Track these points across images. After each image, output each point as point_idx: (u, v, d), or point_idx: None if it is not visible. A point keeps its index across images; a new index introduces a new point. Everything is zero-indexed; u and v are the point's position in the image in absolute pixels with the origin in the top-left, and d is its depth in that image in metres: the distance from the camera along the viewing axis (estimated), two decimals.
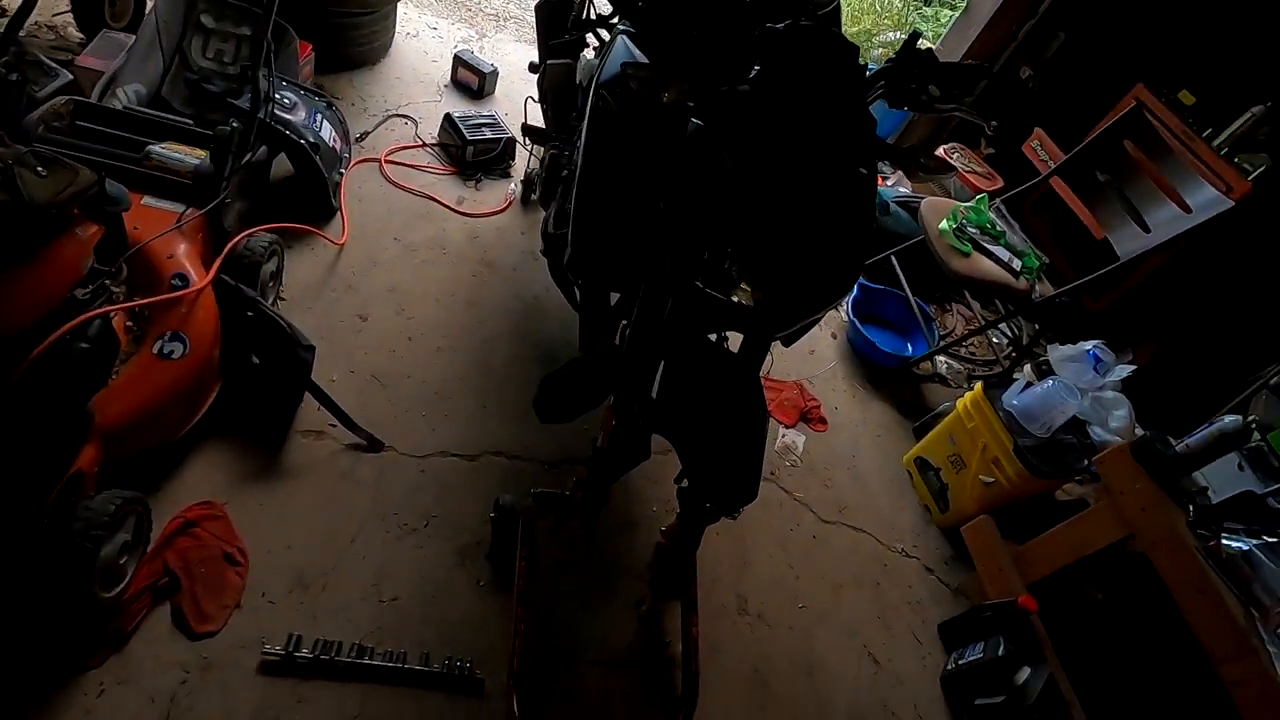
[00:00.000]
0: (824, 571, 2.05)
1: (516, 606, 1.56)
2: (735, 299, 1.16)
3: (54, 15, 2.49)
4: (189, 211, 1.68)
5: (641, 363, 1.23)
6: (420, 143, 2.73)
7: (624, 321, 1.48)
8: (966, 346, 3.06)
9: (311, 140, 2.16)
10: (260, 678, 1.40)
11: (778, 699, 1.75)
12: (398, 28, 3.11)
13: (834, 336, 2.85)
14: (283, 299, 2.02)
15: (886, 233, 3.06)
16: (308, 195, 2.23)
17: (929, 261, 2.63)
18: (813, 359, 2.70)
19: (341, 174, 2.37)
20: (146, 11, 2.22)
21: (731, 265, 1.15)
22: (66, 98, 1.82)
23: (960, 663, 1.92)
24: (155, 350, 1.52)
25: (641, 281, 1.24)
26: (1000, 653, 1.80)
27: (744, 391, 1.27)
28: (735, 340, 1.33)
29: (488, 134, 2.71)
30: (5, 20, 1.90)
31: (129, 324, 1.57)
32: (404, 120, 2.79)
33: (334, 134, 2.31)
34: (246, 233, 1.83)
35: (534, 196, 2.67)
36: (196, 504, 1.56)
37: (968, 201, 2.68)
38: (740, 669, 1.77)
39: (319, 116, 2.25)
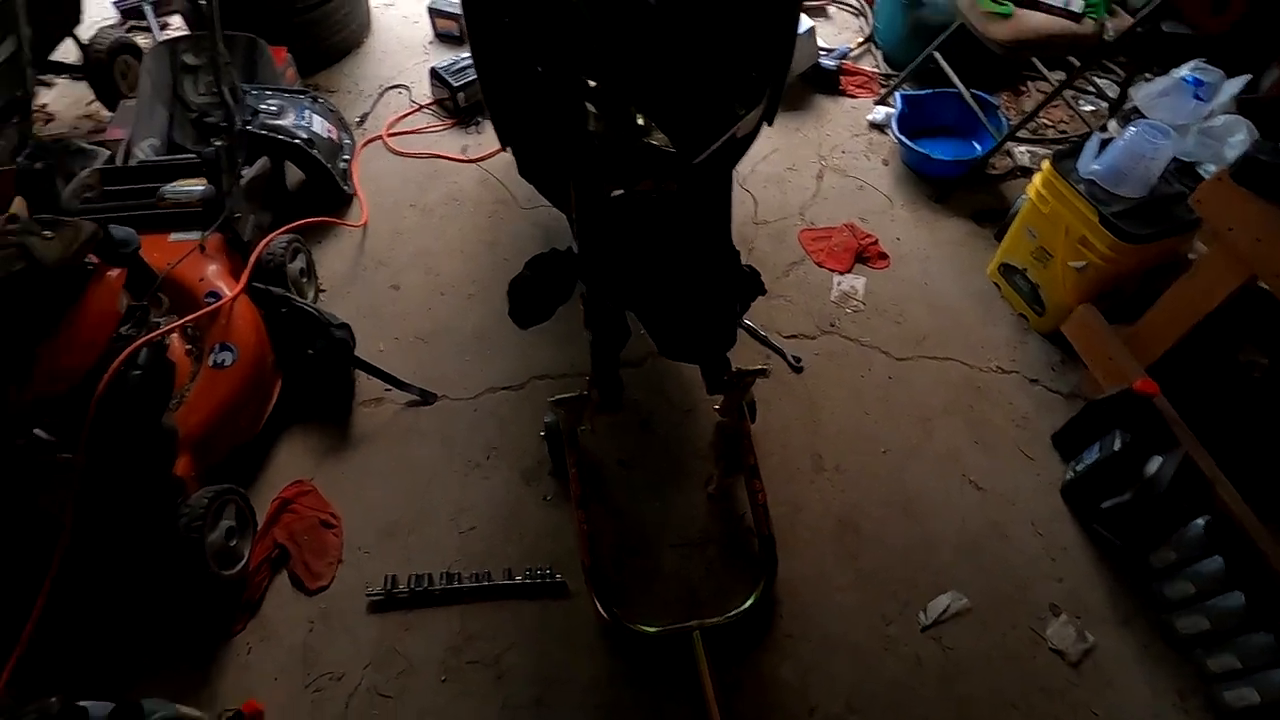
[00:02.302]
0: (905, 410, 1.91)
1: (577, 510, 1.61)
2: (651, 142, 1.08)
3: (87, 105, 2.77)
4: (205, 234, 1.84)
5: (591, 240, 1.18)
6: (416, 107, 2.75)
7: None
8: (1053, 126, 2.63)
9: (305, 137, 2.25)
10: (371, 616, 1.58)
11: (872, 541, 1.69)
12: (371, 2, 3.12)
13: (885, 163, 2.57)
14: (323, 290, 2.17)
15: (925, 28, 2.67)
16: (322, 189, 2.34)
17: (978, 44, 2.27)
18: (863, 194, 2.46)
19: (347, 161, 2.46)
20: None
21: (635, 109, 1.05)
22: (91, 169, 2.03)
23: (1078, 469, 1.72)
24: (211, 363, 1.70)
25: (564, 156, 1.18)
26: (1117, 447, 1.59)
27: (705, 243, 1.18)
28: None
29: (473, 74, 2.67)
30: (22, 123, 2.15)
31: (188, 347, 1.77)
32: (398, 90, 2.82)
33: (327, 125, 2.40)
34: (266, 240, 1.97)
35: None
36: (289, 485, 1.76)
37: None
38: (825, 522, 1.72)
39: (307, 112, 2.33)
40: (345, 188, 2.38)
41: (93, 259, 1.47)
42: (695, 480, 1.79)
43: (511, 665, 1.52)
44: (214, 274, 1.81)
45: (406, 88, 2.82)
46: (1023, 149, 2.54)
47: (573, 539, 1.66)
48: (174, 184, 1.93)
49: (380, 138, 2.62)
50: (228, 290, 1.78)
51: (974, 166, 2.41)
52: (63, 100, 2.81)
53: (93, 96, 2.69)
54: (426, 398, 1.92)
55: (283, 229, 2.05)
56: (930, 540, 1.69)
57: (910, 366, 2.01)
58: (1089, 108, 2.66)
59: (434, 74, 2.70)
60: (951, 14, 2.51)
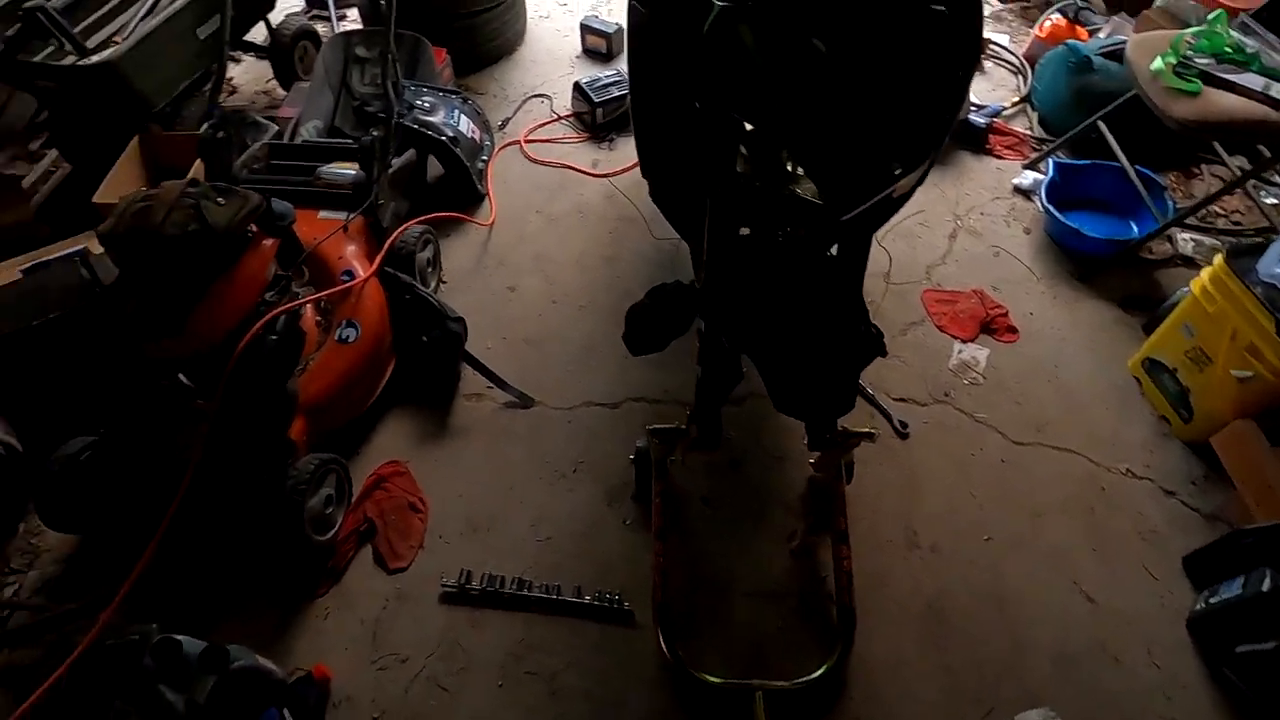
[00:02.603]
0: (1016, 499, 1.78)
1: (656, 541, 1.59)
2: (799, 192, 1.05)
3: (266, 82, 3.02)
4: (350, 216, 1.95)
5: (718, 281, 1.17)
6: (556, 116, 2.84)
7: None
8: (1226, 215, 2.41)
9: (451, 135, 2.36)
10: (441, 606, 1.62)
11: (959, 633, 1.57)
12: (529, 13, 3.26)
13: (1027, 232, 2.42)
14: (444, 282, 2.26)
15: (1091, 94, 2.52)
16: (458, 186, 2.45)
17: (1152, 118, 2.11)
18: (998, 261, 2.32)
19: (485, 161, 2.57)
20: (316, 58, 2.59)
21: (787, 156, 1.03)
22: (261, 143, 2.21)
23: (1212, 601, 1.54)
24: (336, 337, 1.80)
25: (706, 194, 1.17)
26: (1266, 588, 1.41)
27: (835, 299, 1.14)
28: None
29: (615, 92, 2.73)
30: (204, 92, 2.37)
31: (318, 319, 1.89)
32: (541, 99, 2.92)
33: (472, 126, 2.51)
34: (402, 227, 2.08)
35: None
36: (385, 463, 1.83)
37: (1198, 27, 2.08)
38: (911, 602, 1.62)
39: (456, 112, 2.45)
40: (480, 187, 2.48)
41: (252, 227, 1.59)
42: (778, 531, 1.73)
43: (567, 684, 1.51)
44: (352, 254, 1.92)
45: (549, 97, 2.91)
46: (1187, 236, 2.33)
47: (646, 568, 1.63)
48: (330, 165, 2.07)
49: (518, 143, 2.72)
50: (362, 271, 1.89)
51: (1128, 248, 2.23)
52: (246, 76, 3.08)
53: (271, 75, 2.94)
54: (525, 401, 1.96)
55: (418, 219, 2.15)
56: (1025, 645, 1.56)
57: (1027, 453, 1.87)
58: (1271, 200, 2.41)
59: (577, 88, 2.78)
60: (1124, 83, 2.34)
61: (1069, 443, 1.88)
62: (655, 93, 1.14)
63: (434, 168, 2.48)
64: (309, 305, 1.82)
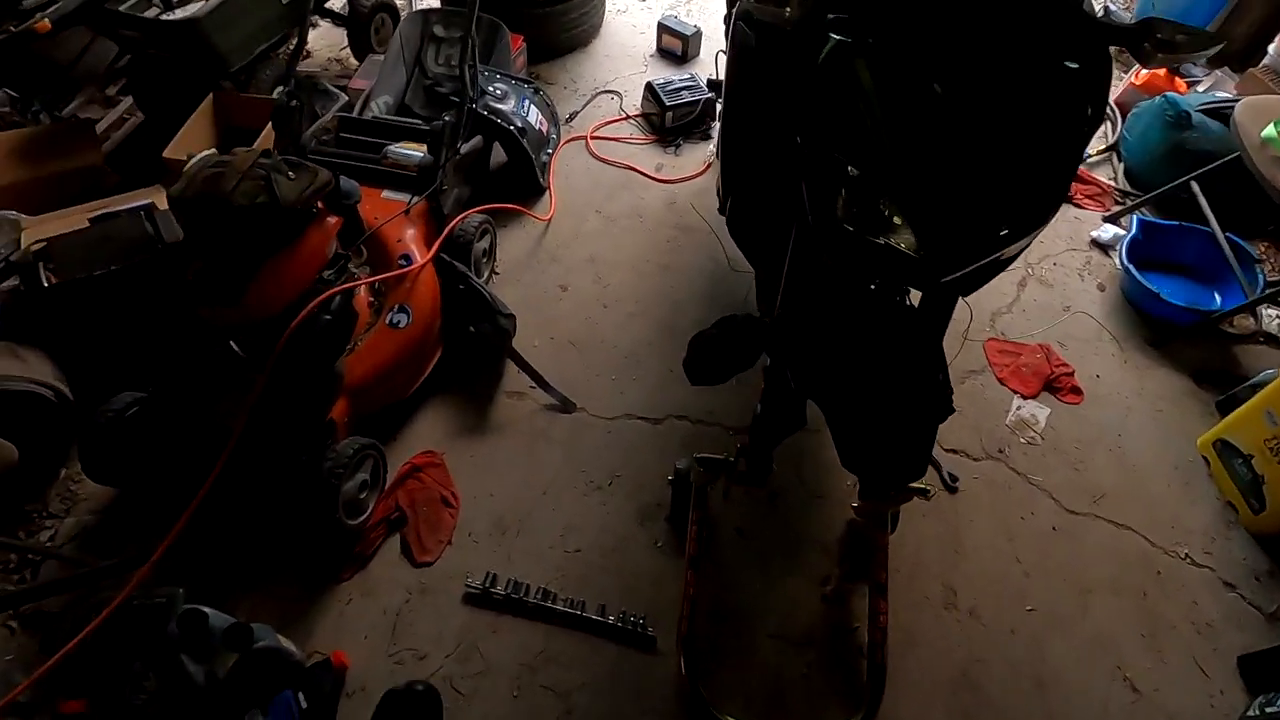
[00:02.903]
0: (1064, 572, 1.70)
1: (687, 570, 1.55)
2: (895, 243, 0.99)
3: (340, 50, 3.02)
4: (414, 199, 1.94)
5: (792, 321, 1.12)
6: (624, 115, 2.80)
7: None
8: None
9: (519, 125, 2.33)
10: (464, 606, 1.60)
11: (991, 708, 1.51)
12: (607, 6, 3.22)
13: (1101, 288, 2.32)
14: (497, 273, 2.24)
15: (1185, 152, 2.40)
16: (520, 177, 2.42)
17: (1250, 185, 2.01)
18: (1068, 317, 2.23)
19: (549, 154, 2.54)
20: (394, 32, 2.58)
21: (886, 203, 0.98)
22: (333, 114, 2.20)
23: (1268, 711, 1.45)
24: (387, 321, 1.78)
25: (791, 231, 1.12)
26: None
27: (914, 354, 1.08)
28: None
29: (686, 97, 2.68)
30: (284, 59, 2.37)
31: (371, 300, 1.87)
32: (611, 96, 2.88)
33: (540, 117, 2.48)
34: (462, 215, 2.05)
35: None
36: (421, 452, 1.82)
37: None
38: (943, 667, 1.56)
39: (527, 102, 2.42)
40: (541, 180, 2.45)
41: (318, 203, 1.57)
42: (812, 573, 1.68)
43: (581, 704, 1.48)
44: (411, 238, 1.90)
45: (619, 94, 2.87)
46: (1275, 314, 2.21)
47: (673, 593, 1.60)
48: (398, 145, 2.05)
49: (585, 138, 2.68)
50: (420, 256, 1.87)
51: (1209, 319, 2.12)
52: (321, 41, 3.08)
53: (346, 44, 2.93)
54: (566, 405, 1.93)
55: (477, 208, 2.13)
56: None
57: (1081, 523, 1.79)
58: None
59: (649, 89, 2.73)
60: (1225, 144, 2.24)
61: (1126, 518, 1.80)
62: (751, 120, 1.09)
63: (497, 154, 2.45)
64: (363, 286, 1.81)
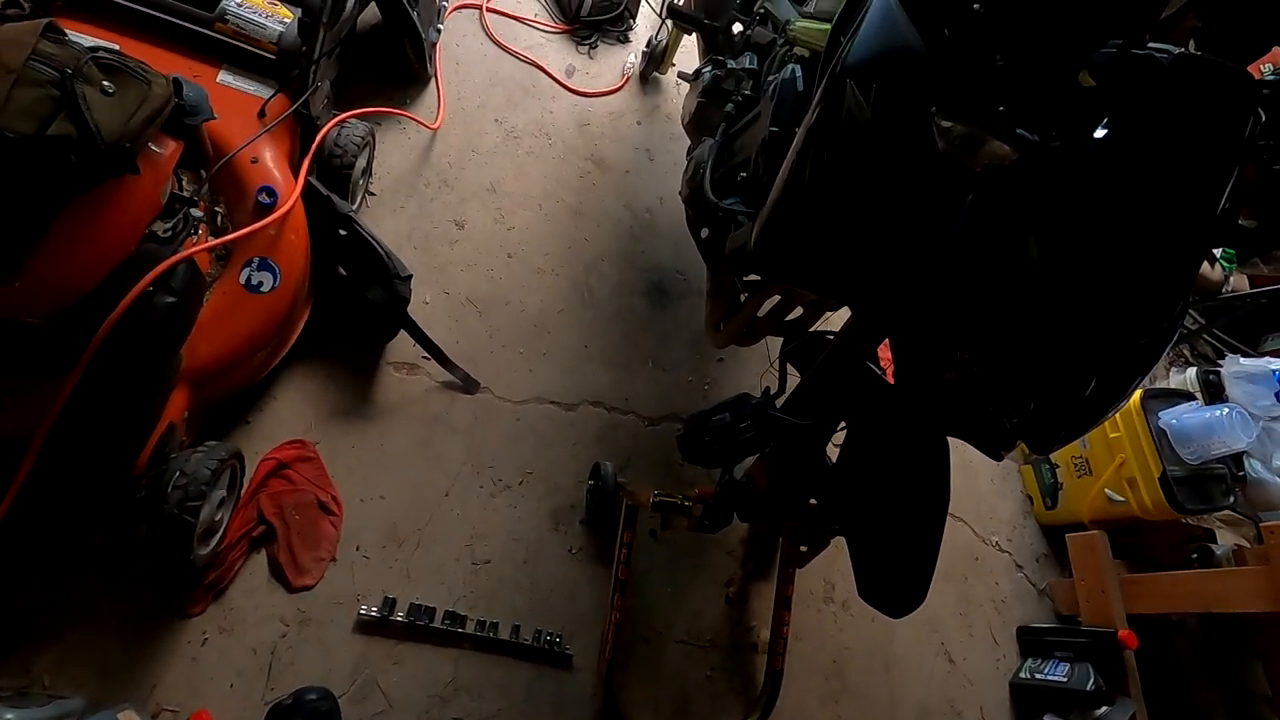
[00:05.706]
0: None
1: (614, 594, 1.50)
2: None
3: None
4: (272, 94, 1.39)
5: (819, 432, 1.02)
6: None
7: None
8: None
9: None
10: (357, 635, 1.39)
11: (853, 691, 1.75)
12: None
13: None
14: (372, 194, 1.77)
15: None
16: (393, 56, 1.86)
17: None
18: None
19: (439, 30, 1.97)
20: None
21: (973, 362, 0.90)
22: None
23: (1037, 676, 1.88)
24: (243, 281, 1.32)
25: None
26: (1090, 686, 1.74)
27: (929, 473, 1.07)
28: None
29: None
30: None
31: (215, 247, 1.37)
32: None
33: None
34: (337, 119, 1.54)
35: (656, 74, 2.25)
36: (288, 443, 1.46)
37: None
38: (819, 658, 1.75)
39: None
40: (429, 68, 1.91)
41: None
42: (716, 574, 1.73)
43: None
44: (270, 158, 1.39)
45: None
46: None
47: (588, 604, 1.56)
48: (246, 3, 1.42)
49: (479, 8, 2.12)
50: (284, 185, 1.38)
51: None
52: None
53: None
54: (469, 386, 1.66)
55: (355, 112, 1.61)
56: (897, 702, 1.79)
57: None
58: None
59: None
60: None
61: (961, 511, 2.10)
62: (835, 195, 0.90)
63: (367, 13, 1.84)
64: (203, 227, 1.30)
